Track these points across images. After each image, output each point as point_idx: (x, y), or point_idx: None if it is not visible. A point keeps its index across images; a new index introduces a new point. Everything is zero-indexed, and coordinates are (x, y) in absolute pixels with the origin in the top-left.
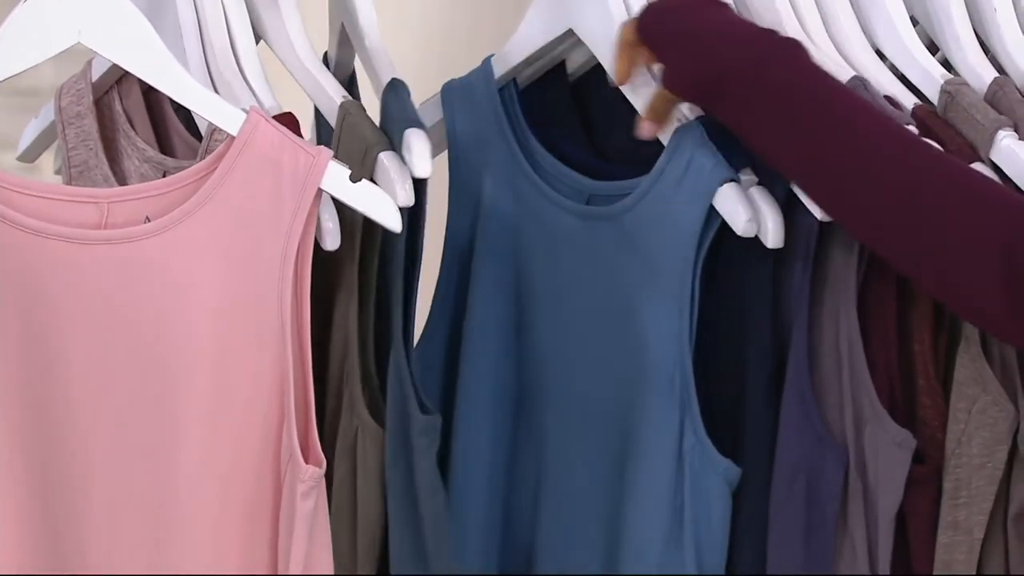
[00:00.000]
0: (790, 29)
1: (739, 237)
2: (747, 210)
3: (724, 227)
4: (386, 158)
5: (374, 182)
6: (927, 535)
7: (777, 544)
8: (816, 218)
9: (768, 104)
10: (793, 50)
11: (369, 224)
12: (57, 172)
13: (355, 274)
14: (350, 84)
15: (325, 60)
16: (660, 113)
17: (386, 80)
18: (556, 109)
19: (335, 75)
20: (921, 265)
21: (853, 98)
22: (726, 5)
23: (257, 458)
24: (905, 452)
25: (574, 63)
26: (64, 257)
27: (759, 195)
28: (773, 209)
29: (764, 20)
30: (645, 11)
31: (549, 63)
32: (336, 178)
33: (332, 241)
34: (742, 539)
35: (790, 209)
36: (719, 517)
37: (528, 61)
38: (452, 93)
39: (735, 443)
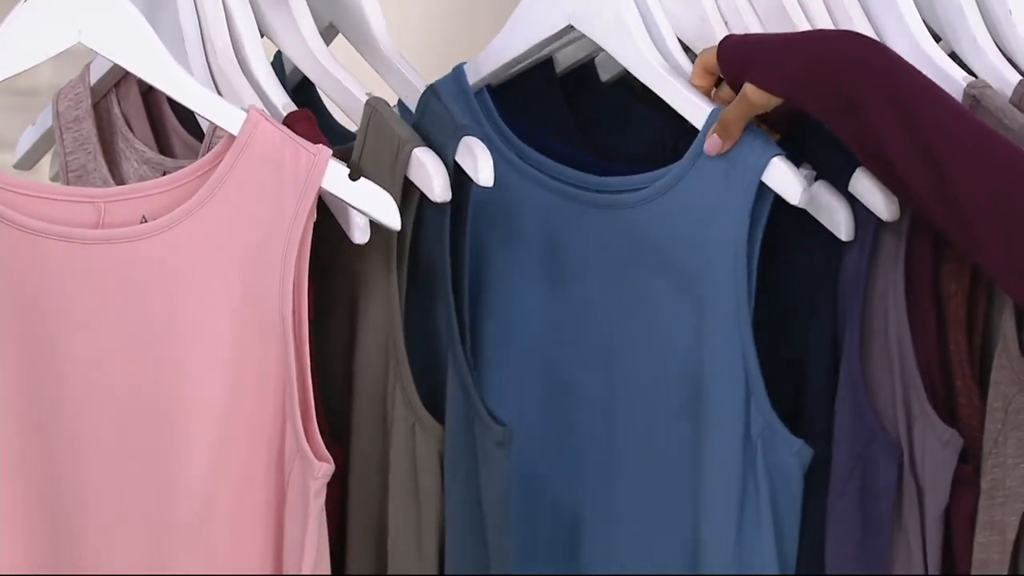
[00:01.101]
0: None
1: (795, 226)
2: (800, 182)
3: (779, 218)
4: (421, 154)
5: (408, 179)
6: (968, 534)
7: (835, 539)
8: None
9: (874, 97)
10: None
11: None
12: (54, 178)
13: (393, 273)
14: (302, 87)
15: (276, 63)
16: (731, 129)
17: (420, 85)
18: (546, 105)
19: (291, 77)
20: (1004, 253)
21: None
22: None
23: (258, 455)
24: (951, 451)
25: (564, 60)
26: (64, 257)
27: (825, 190)
28: (842, 202)
29: (773, 22)
30: (724, 42)
31: (533, 62)
32: (336, 176)
33: (362, 235)
34: (801, 532)
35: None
36: (794, 496)
37: (517, 60)
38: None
39: (795, 432)
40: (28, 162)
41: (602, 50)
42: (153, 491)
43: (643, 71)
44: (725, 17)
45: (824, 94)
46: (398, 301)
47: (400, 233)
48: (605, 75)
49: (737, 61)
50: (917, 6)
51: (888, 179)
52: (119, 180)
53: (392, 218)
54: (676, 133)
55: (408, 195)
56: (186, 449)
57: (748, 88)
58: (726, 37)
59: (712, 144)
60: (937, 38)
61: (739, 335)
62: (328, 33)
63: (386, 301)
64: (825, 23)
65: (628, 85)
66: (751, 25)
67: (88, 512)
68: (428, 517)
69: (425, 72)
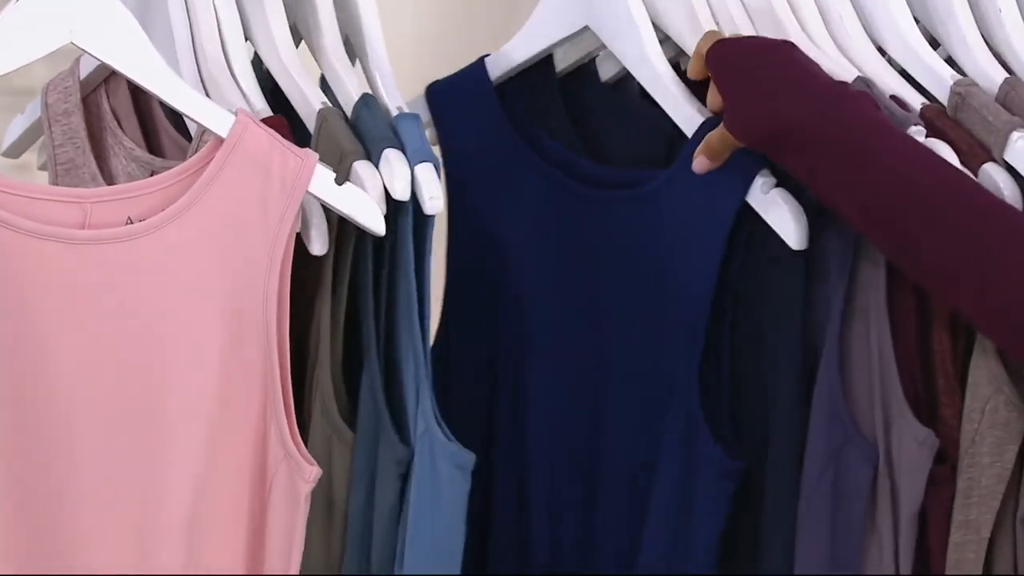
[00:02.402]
0: (790, 30)
1: (771, 239)
2: (797, 212)
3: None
4: (360, 167)
5: None
6: (944, 535)
7: (805, 540)
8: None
9: (829, 162)
10: (859, 104)
11: (343, 225)
12: (41, 168)
13: (328, 283)
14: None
15: (256, 63)
16: (717, 153)
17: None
18: (544, 106)
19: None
20: (978, 304)
21: (916, 150)
22: (795, 49)
23: (243, 458)
24: (927, 451)
25: (565, 61)
26: (55, 257)
27: (781, 197)
28: (797, 212)
29: (763, 23)
30: (721, 45)
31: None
32: (323, 181)
33: (320, 246)
34: (771, 537)
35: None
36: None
37: (532, 59)
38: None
39: (763, 442)
40: (15, 151)
41: (598, 51)
42: (140, 491)
43: (642, 71)
44: (717, 18)
45: (787, 151)
46: (328, 309)
47: (341, 245)
48: (605, 75)
49: (718, 79)
50: (909, 5)
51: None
52: (107, 175)
53: (377, 224)
54: (671, 136)
55: None
56: (173, 450)
57: (725, 133)
58: (714, 44)
59: (699, 164)
60: (935, 43)
61: (410, 333)
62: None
63: (319, 308)
64: (816, 24)
65: (628, 86)
66: (743, 27)
67: (75, 512)
68: (338, 528)
69: (414, 78)
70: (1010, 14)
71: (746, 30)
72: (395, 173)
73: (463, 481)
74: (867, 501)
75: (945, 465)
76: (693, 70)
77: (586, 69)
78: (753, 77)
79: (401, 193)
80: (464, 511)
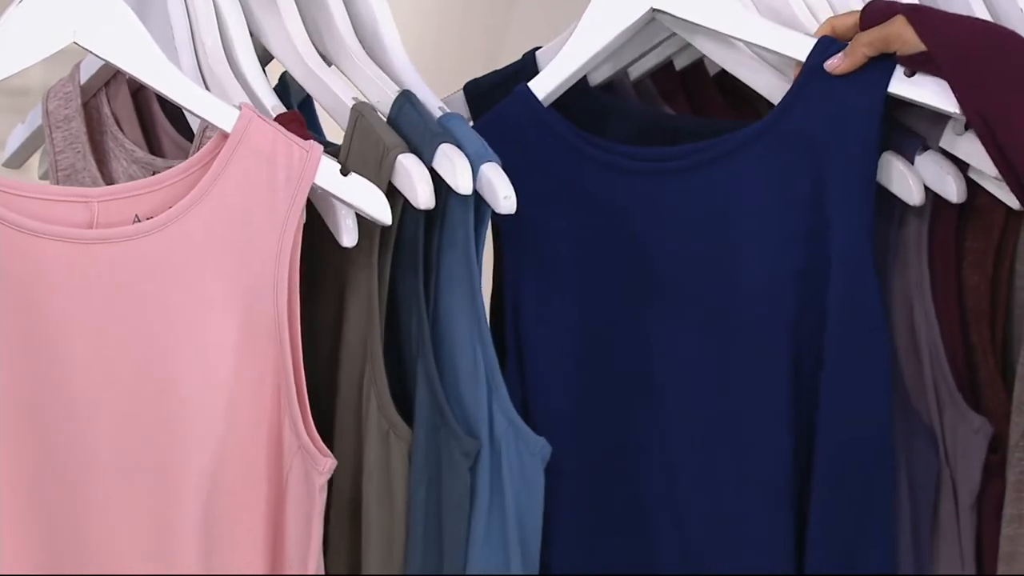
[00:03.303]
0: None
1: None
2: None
3: None
4: (406, 160)
5: (392, 184)
6: (997, 524)
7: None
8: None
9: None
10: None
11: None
12: (43, 176)
13: (374, 274)
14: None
15: (283, 81)
16: (859, 52)
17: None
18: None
19: (296, 92)
20: None
21: None
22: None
23: (258, 452)
24: (982, 438)
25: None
26: (62, 257)
27: (924, 78)
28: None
29: (780, 16)
30: (909, 8)
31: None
32: (329, 172)
33: (350, 238)
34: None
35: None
36: (536, 494)
37: (594, 60)
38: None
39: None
40: (17, 160)
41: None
42: (156, 487)
43: (733, 26)
44: None
45: (967, 57)
46: (378, 306)
47: (384, 238)
48: (595, 80)
49: (884, 13)
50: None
51: (995, 155)
52: (108, 179)
53: (383, 214)
54: (675, 133)
55: (392, 201)
56: (187, 446)
57: (899, 20)
58: (871, 1)
59: (834, 62)
60: None
61: (478, 329)
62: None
63: (366, 305)
64: (827, 14)
65: (618, 91)
66: None
67: (91, 510)
68: (400, 524)
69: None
70: None
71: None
72: (457, 168)
73: (542, 474)
74: (935, 490)
75: (996, 455)
76: (842, 23)
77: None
78: (949, 18)
79: (465, 187)
80: (543, 506)
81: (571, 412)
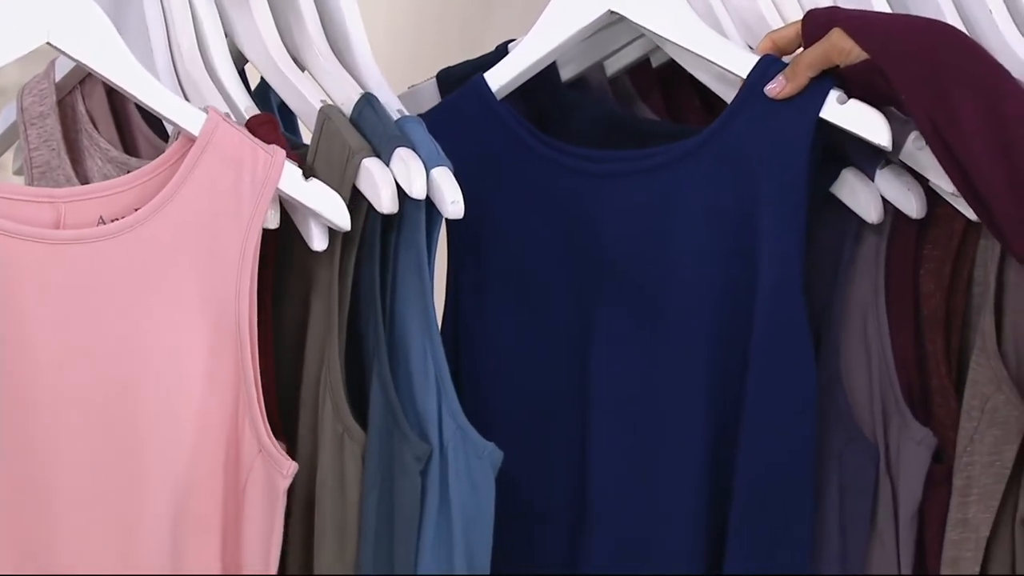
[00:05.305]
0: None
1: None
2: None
3: None
4: (370, 164)
5: (356, 188)
6: (940, 533)
7: (816, 540)
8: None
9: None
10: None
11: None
12: (17, 172)
13: (335, 276)
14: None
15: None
16: (801, 73)
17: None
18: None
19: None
20: None
21: None
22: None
23: (219, 454)
24: (925, 450)
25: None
26: (32, 257)
27: (859, 105)
28: (878, 114)
29: (747, 21)
30: (810, 12)
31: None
32: (291, 176)
33: (320, 242)
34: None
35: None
36: (485, 499)
37: (547, 58)
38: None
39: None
40: None
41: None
42: (122, 489)
43: (681, 35)
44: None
45: (910, 59)
46: (337, 308)
47: (346, 240)
48: (566, 75)
49: (824, 24)
50: (892, 9)
51: (944, 158)
52: (83, 178)
53: (342, 219)
54: (643, 133)
55: (357, 205)
56: (152, 447)
57: (835, 33)
58: (811, 10)
59: (775, 86)
60: None
61: (429, 332)
62: None
63: (326, 307)
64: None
65: (585, 87)
66: (728, 30)
67: (58, 512)
68: (352, 525)
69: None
70: (1000, 14)
71: (732, 34)
72: (412, 172)
73: (492, 479)
74: (872, 500)
75: (941, 464)
76: (783, 36)
77: (546, 73)
78: (869, 11)
79: (419, 192)
80: (493, 509)
81: (504, 406)
